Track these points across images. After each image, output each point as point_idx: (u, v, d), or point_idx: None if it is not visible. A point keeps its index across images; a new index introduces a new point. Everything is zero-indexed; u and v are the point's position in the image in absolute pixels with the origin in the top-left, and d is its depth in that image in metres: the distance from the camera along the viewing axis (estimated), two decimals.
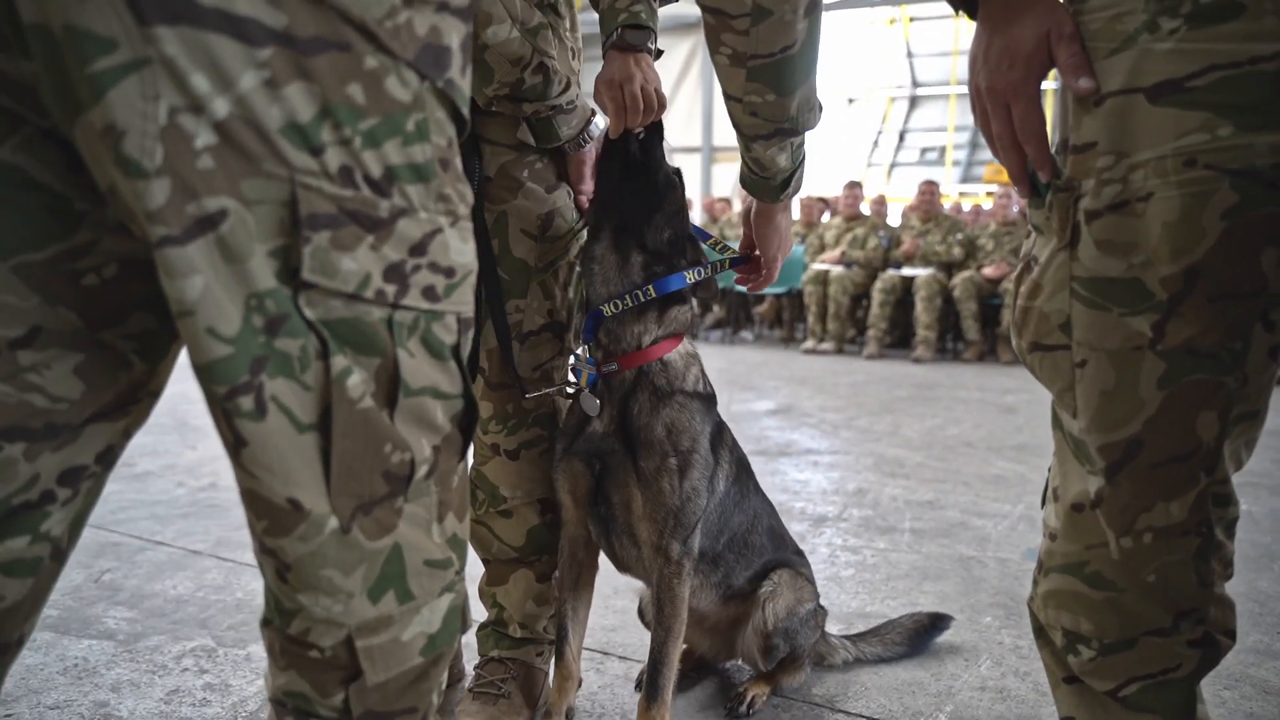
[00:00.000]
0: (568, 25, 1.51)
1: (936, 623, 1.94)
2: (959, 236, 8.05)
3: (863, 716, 1.67)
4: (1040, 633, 1.09)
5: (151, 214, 0.60)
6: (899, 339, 8.43)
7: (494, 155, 1.48)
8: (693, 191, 14.36)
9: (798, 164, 1.36)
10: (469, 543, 1.08)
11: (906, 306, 7.97)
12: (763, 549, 1.64)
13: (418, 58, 0.69)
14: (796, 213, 8.74)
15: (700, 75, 14.50)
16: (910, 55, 20.89)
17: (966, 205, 10.61)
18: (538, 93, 1.41)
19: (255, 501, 0.70)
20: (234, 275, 0.63)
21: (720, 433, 1.52)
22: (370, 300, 0.68)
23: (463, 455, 0.81)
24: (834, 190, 9.47)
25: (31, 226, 0.70)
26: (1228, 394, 0.90)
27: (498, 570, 1.66)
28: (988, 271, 7.72)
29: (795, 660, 1.68)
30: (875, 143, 21.73)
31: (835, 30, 17.62)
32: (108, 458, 0.81)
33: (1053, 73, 0.92)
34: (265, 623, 0.78)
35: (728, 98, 1.22)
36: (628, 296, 1.41)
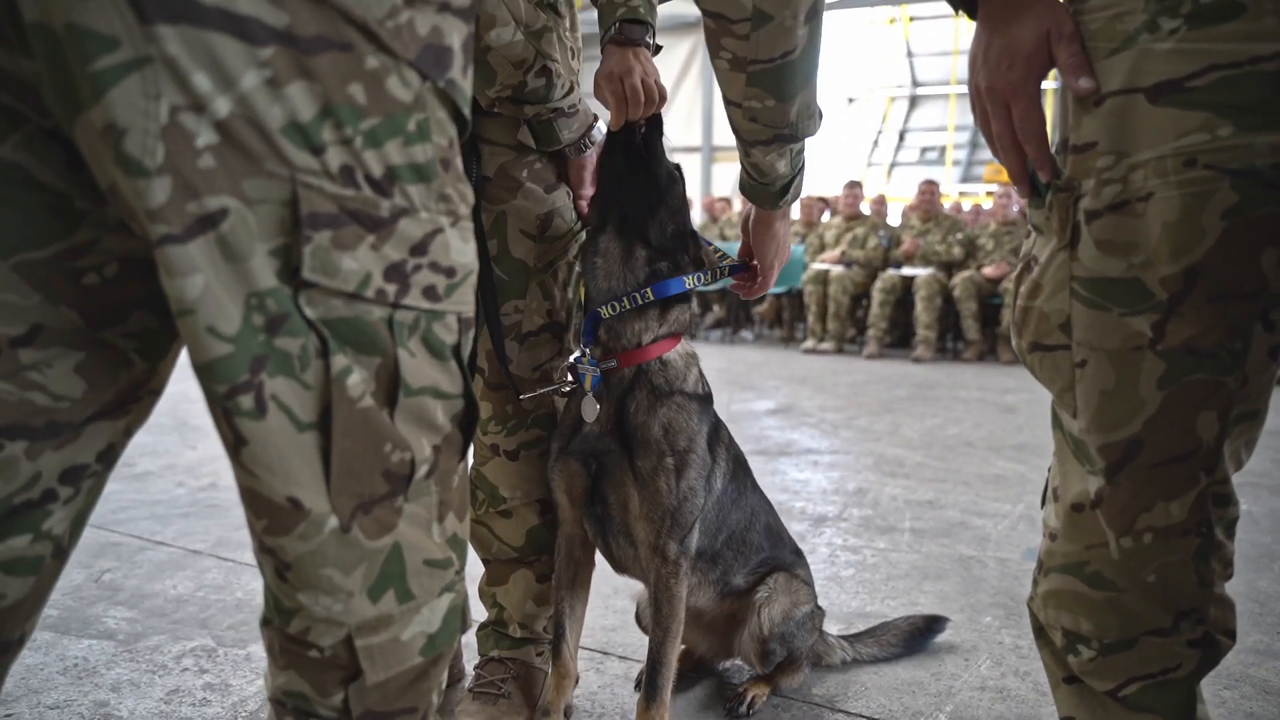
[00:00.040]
0: (568, 24, 1.50)
1: (932, 624, 1.95)
2: (959, 236, 8.05)
3: (863, 716, 1.67)
4: (1040, 633, 1.09)
5: (152, 212, 0.60)
6: (899, 339, 8.43)
7: (493, 155, 1.48)
8: (693, 191, 14.28)
9: (797, 170, 1.35)
10: (469, 542, 1.08)
11: (906, 306, 7.97)
12: (760, 547, 1.64)
13: (419, 58, 0.69)
14: (796, 213, 8.73)
15: (700, 75, 14.50)
16: (910, 55, 20.89)
17: (966, 205, 10.62)
18: (539, 96, 1.40)
19: (255, 500, 0.70)
20: (234, 274, 0.63)
21: (717, 431, 1.52)
22: (371, 300, 0.68)
23: (463, 455, 0.81)
24: (834, 190, 9.47)
25: (33, 225, 0.70)
26: (1228, 394, 0.90)
27: (498, 570, 1.66)
28: (988, 271, 7.72)
29: (793, 662, 1.68)
30: (875, 142, 21.74)
31: (835, 30, 17.63)
32: (109, 456, 0.81)
33: (1053, 72, 0.92)
34: (265, 622, 0.79)
35: (727, 103, 1.22)
36: (625, 299, 1.41)
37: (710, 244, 1.54)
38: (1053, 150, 0.95)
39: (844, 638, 1.87)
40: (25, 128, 0.69)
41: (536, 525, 1.61)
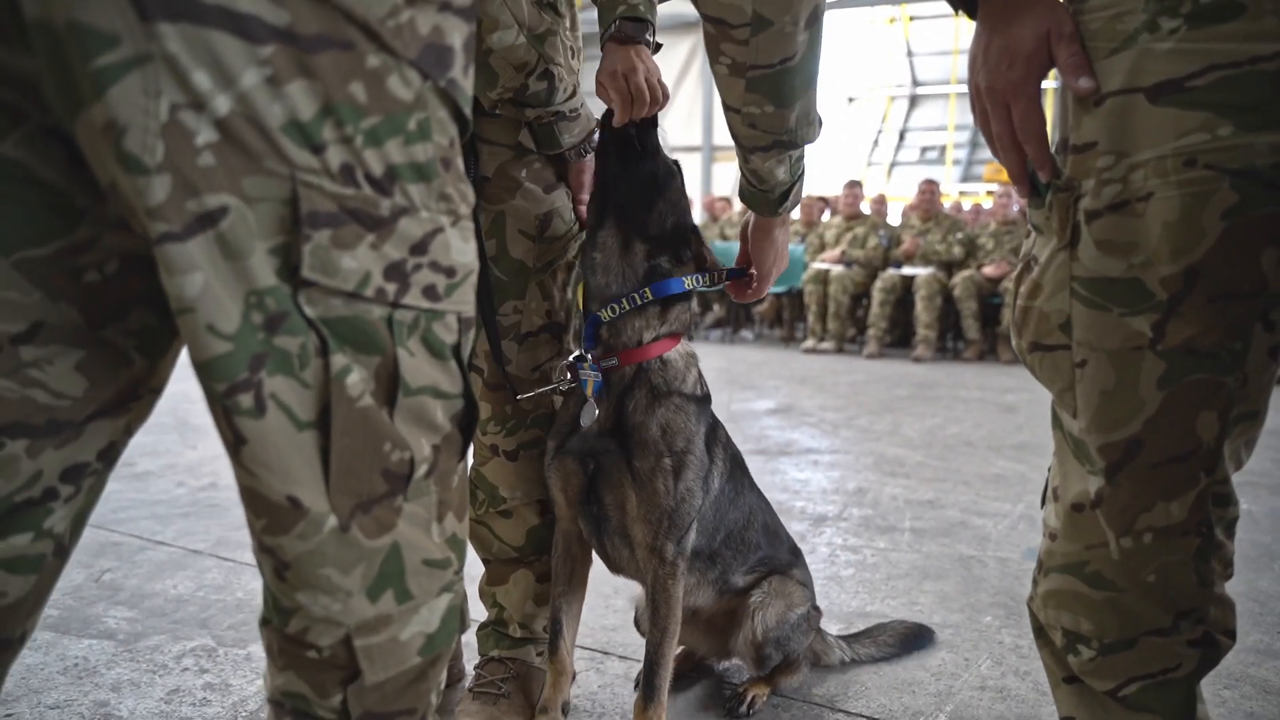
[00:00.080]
0: (568, 24, 1.50)
1: (922, 633, 1.96)
2: (959, 236, 8.05)
3: (863, 716, 1.67)
4: (1040, 632, 1.09)
5: (152, 210, 0.60)
6: (899, 338, 8.43)
7: (492, 155, 1.47)
8: (693, 191, 14.30)
9: (796, 178, 1.35)
10: (469, 542, 1.08)
11: (907, 306, 7.97)
12: (758, 545, 1.64)
13: (420, 57, 0.69)
14: (796, 213, 8.72)
15: (700, 74, 14.49)
16: (910, 54, 20.88)
17: (967, 204, 10.62)
18: (541, 99, 1.40)
19: (254, 499, 0.70)
20: (234, 272, 0.63)
21: (714, 431, 1.52)
22: (370, 299, 0.68)
23: (463, 455, 0.81)
24: (834, 189, 9.46)
25: (33, 222, 0.70)
26: (1228, 394, 0.90)
27: (498, 570, 1.66)
28: (988, 271, 7.72)
29: (790, 664, 1.68)
30: (875, 142, 21.73)
31: (835, 29, 17.62)
32: (109, 455, 0.81)
33: (1053, 72, 0.92)
34: (264, 622, 0.78)
35: (726, 108, 1.22)
36: (625, 300, 1.41)
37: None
38: (1053, 150, 0.95)
39: (842, 638, 1.87)
40: (26, 125, 0.69)
41: (537, 525, 1.61)
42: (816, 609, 1.74)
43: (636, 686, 1.70)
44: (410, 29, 0.68)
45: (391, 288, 0.69)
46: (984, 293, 7.71)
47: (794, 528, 2.71)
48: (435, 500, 0.78)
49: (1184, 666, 0.99)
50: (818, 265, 8.21)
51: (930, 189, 8.36)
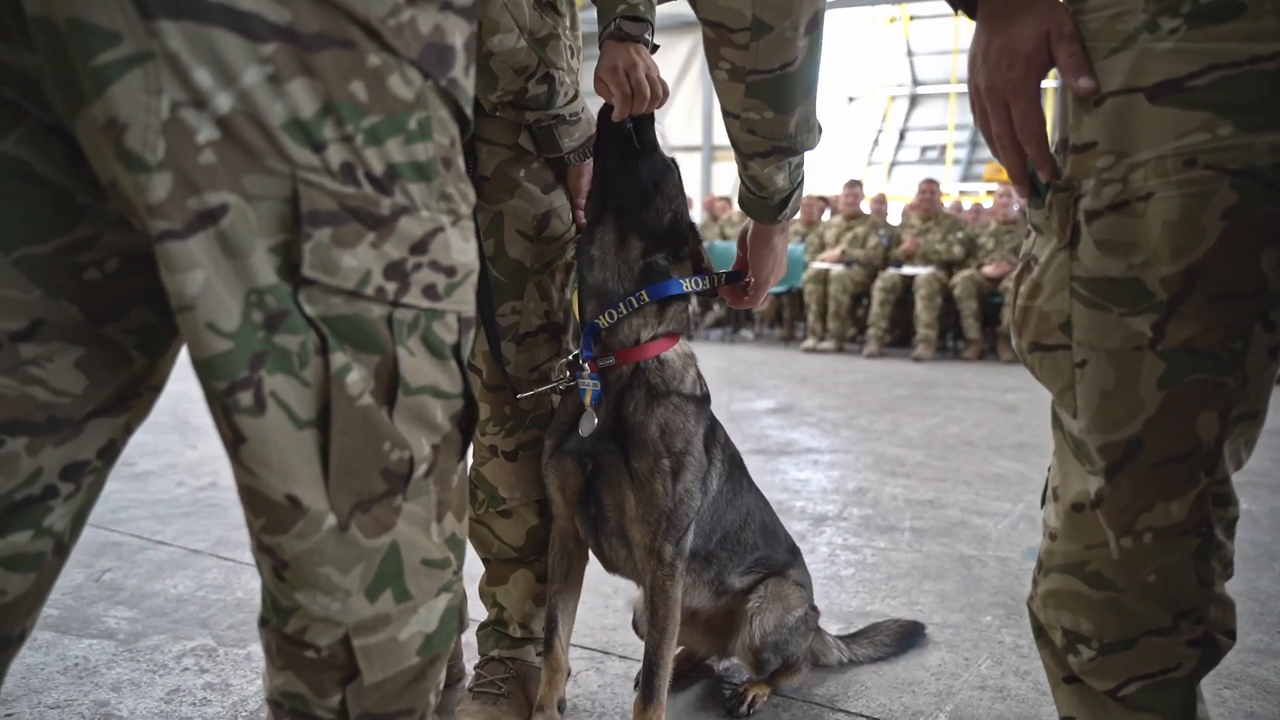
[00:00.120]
0: (568, 23, 1.50)
1: (915, 629, 1.97)
2: (959, 235, 8.05)
3: (863, 716, 1.67)
4: (1040, 632, 1.09)
5: (152, 208, 0.60)
6: (899, 338, 8.43)
7: (491, 155, 1.47)
8: (693, 190, 14.37)
9: (796, 185, 1.34)
10: (469, 542, 1.08)
11: (907, 305, 7.97)
12: (755, 545, 1.64)
13: (421, 56, 0.69)
14: (795, 214, 8.72)
15: (700, 74, 14.48)
16: (910, 54, 20.87)
17: (967, 204, 10.62)
18: (540, 102, 1.40)
19: (253, 498, 0.70)
20: (234, 270, 0.63)
21: (713, 431, 1.51)
22: (370, 297, 0.68)
23: (462, 455, 0.81)
24: (834, 189, 9.46)
25: (34, 220, 0.70)
26: (1228, 394, 0.89)
27: (497, 570, 1.66)
28: (988, 270, 7.72)
29: (790, 667, 1.68)
30: (875, 141, 21.72)
31: (835, 28, 17.62)
32: (109, 453, 0.81)
33: (1053, 72, 0.92)
34: (263, 622, 0.78)
35: (725, 114, 1.21)
36: (622, 304, 1.40)
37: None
38: (1052, 150, 0.95)
39: (840, 638, 1.87)
40: (27, 122, 0.69)
41: (536, 525, 1.61)
42: (814, 609, 1.74)
43: (636, 686, 1.70)
44: (411, 28, 0.68)
45: (392, 287, 0.69)
46: (984, 292, 7.71)
47: (794, 527, 2.71)
48: (435, 500, 0.78)
49: (1184, 666, 0.99)
50: (818, 265, 8.21)
51: (930, 188, 8.37)
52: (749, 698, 1.66)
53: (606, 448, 1.41)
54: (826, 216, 9.24)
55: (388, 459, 0.72)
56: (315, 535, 0.70)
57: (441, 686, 0.86)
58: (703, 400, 1.49)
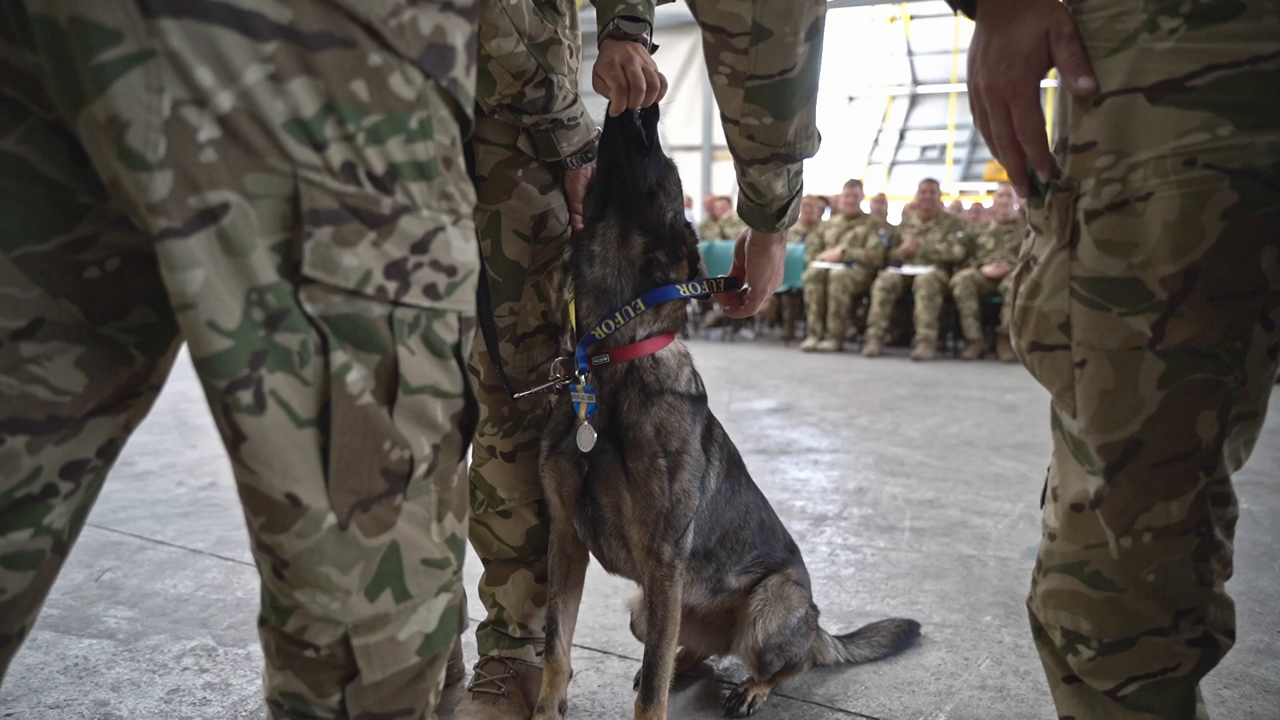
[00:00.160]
0: (567, 22, 1.50)
1: (911, 628, 1.98)
2: (959, 235, 8.06)
3: (863, 715, 1.67)
4: (1039, 632, 1.09)
5: (153, 206, 0.60)
6: (899, 337, 8.44)
7: (488, 155, 1.47)
8: (693, 190, 14.37)
9: (795, 193, 1.34)
10: (469, 542, 1.08)
11: (907, 305, 7.98)
12: (753, 544, 1.64)
13: (422, 56, 0.69)
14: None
15: (700, 74, 14.49)
16: (911, 53, 20.88)
17: (967, 203, 10.63)
18: (538, 106, 1.40)
19: (253, 497, 0.70)
20: (235, 269, 0.63)
21: (710, 430, 1.51)
22: (371, 297, 0.68)
23: (463, 455, 0.81)
24: (834, 188, 9.47)
25: (35, 218, 0.70)
26: (1227, 393, 0.90)
27: (497, 570, 1.66)
28: (988, 270, 7.72)
29: (791, 668, 1.68)
30: (876, 141, 21.72)
31: (836, 28, 17.62)
32: (109, 451, 0.81)
33: (1052, 71, 0.92)
34: (262, 622, 0.78)
35: (725, 120, 1.21)
36: (619, 315, 1.40)
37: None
38: (1052, 150, 0.95)
39: (838, 638, 1.87)
40: (28, 121, 0.69)
41: (535, 525, 1.61)
42: (814, 608, 1.74)
43: (636, 686, 1.70)
44: (412, 28, 0.68)
45: (392, 286, 0.69)
46: (984, 292, 7.72)
47: (794, 527, 2.71)
48: (435, 500, 0.78)
49: (1183, 666, 0.99)
50: (818, 264, 8.22)
51: (930, 188, 8.37)
52: (749, 698, 1.66)
53: (602, 448, 1.41)
54: (826, 216, 9.25)
55: (388, 458, 0.72)
56: (315, 534, 0.70)
57: (441, 686, 0.85)
58: (698, 399, 1.48)
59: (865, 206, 8.79)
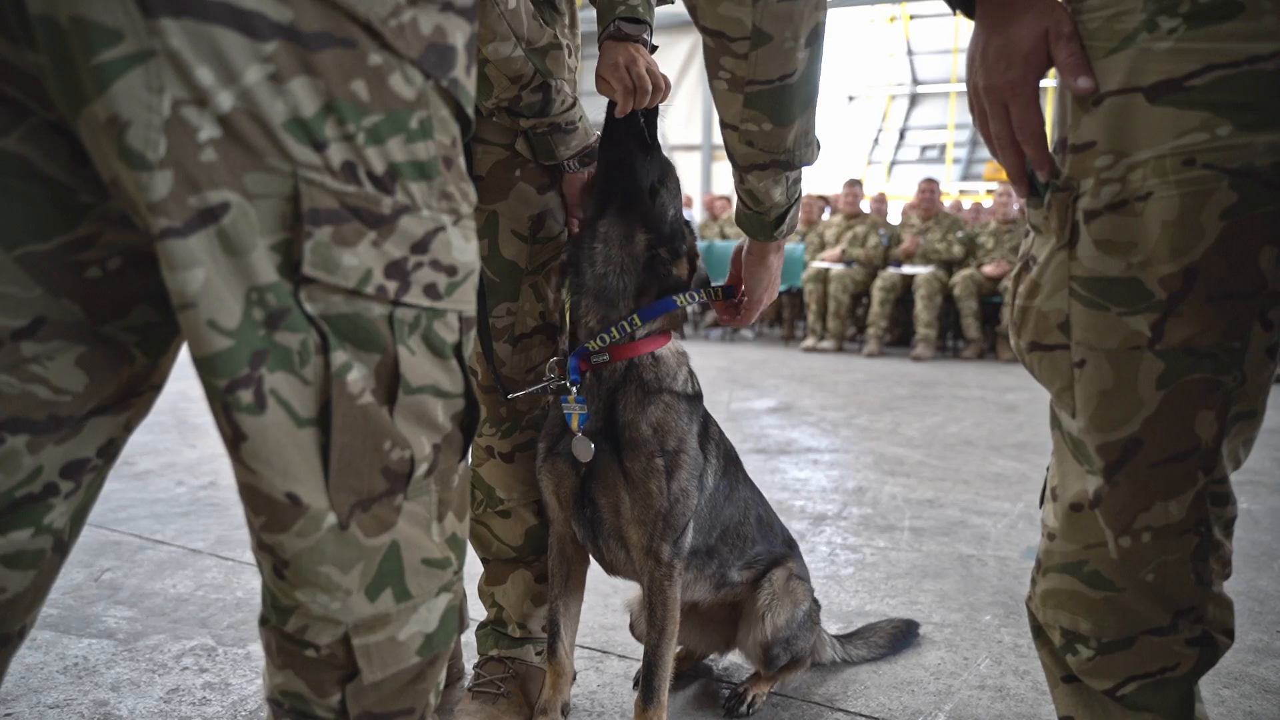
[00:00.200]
0: (567, 21, 1.50)
1: (909, 628, 1.98)
2: (959, 234, 8.06)
3: (862, 715, 1.67)
4: (1039, 632, 1.09)
5: (154, 206, 0.61)
6: (899, 337, 8.44)
7: (486, 155, 1.47)
8: (693, 190, 14.37)
9: (793, 201, 1.34)
10: (468, 542, 1.08)
11: (907, 304, 7.98)
12: (754, 539, 1.64)
13: (422, 56, 0.69)
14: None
15: (700, 74, 14.48)
16: (911, 53, 20.88)
17: (967, 203, 10.63)
18: (535, 110, 1.40)
19: (254, 496, 0.70)
20: (235, 268, 0.63)
21: (706, 428, 1.51)
22: (371, 296, 0.69)
23: (463, 454, 0.81)
24: (834, 188, 9.48)
25: (36, 218, 0.70)
26: (1226, 393, 0.90)
27: (496, 570, 1.66)
28: (988, 269, 7.72)
29: (795, 662, 1.69)
30: (875, 140, 21.73)
31: (836, 28, 17.62)
32: (110, 451, 0.81)
33: (1051, 71, 0.92)
34: (263, 621, 0.78)
35: (724, 126, 1.21)
36: (614, 329, 1.40)
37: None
38: (1051, 150, 0.95)
39: (836, 637, 1.87)
40: (30, 120, 0.69)
41: (535, 525, 1.61)
42: (816, 603, 1.74)
43: (636, 686, 1.70)
44: (412, 28, 0.68)
45: (392, 285, 0.69)
46: (984, 292, 7.72)
47: (794, 526, 2.71)
48: (435, 499, 0.78)
49: (1182, 665, 0.99)
50: (817, 264, 8.22)
51: (930, 188, 8.38)
52: (748, 697, 1.66)
53: (600, 448, 1.41)
54: (826, 216, 9.25)
55: (388, 458, 0.72)
56: (315, 534, 0.70)
57: (441, 686, 0.86)
58: (695, 398, 1.48)
59: (865, 206, 8.79)
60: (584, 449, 1.40)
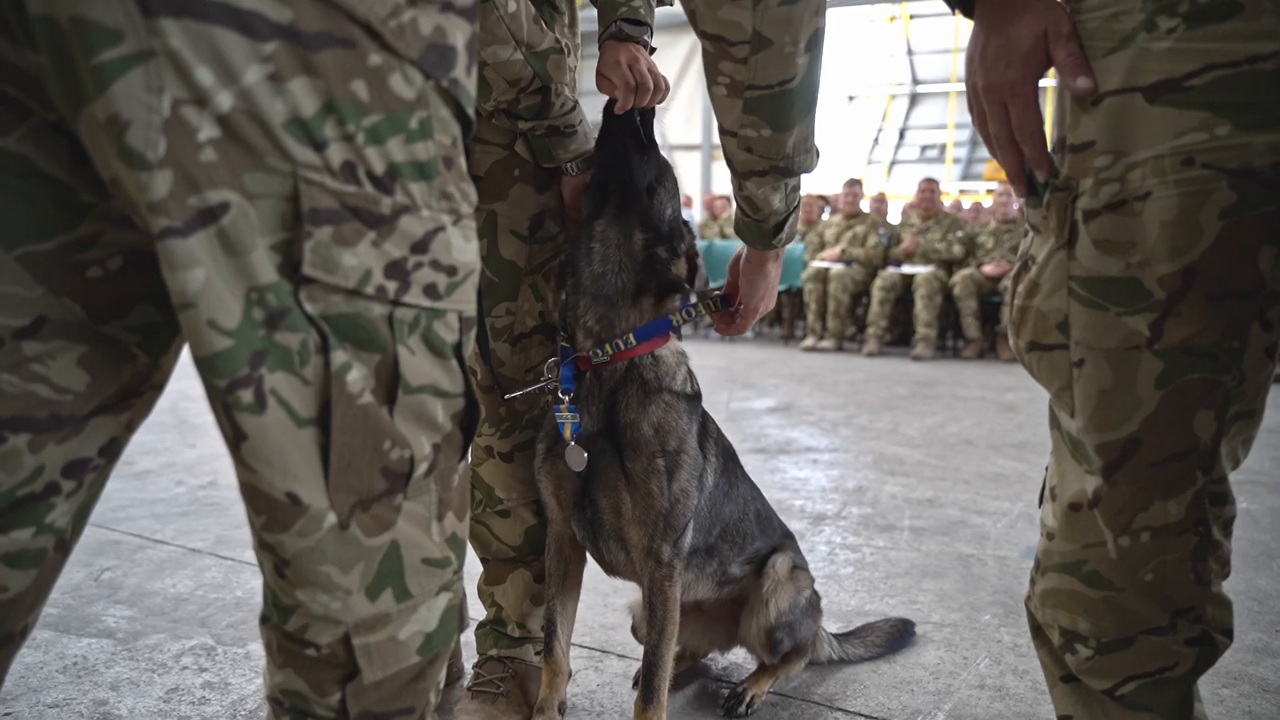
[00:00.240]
0: (566, 20, 1.50)
1: (905, 627, 1.98)
2: (959, 234, 8.06)
3: (861, 715, 1.67)
4: (1038, 632, 1.09)
5: (154, 205, 0.61)
6: (899, 336, 8.45)
7: (485, 154, 1.47)
8: (693, 189, 14.38)
9: (792, 209, 1.33)
10: (468, 541, 1.08)
11: (906, 304, 7.98)
12: (754, 536, 1.65)
13: (422, 56, 0.69)
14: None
15: (700, 73, 14.47)
16: (911, 52, 20.88)
17: (967, 203, 10.64)
18: (534, 113, 1.40)
19: (254, 496, 0.70)
20: (235, 268, 0.63)
21: (705, 427, 1.51)
22: (371, 296, 0.69)
23: (463, 454, 0.81)
24: (834, 188, 9.48)
25: (37, 217, 0.70)
26: (1225, 393, 0.90)
27: (495, 570, 1.66)
28: (988, 269, 7.73)
29: (798, 650, 1.69)
30: (875, 140, 21.73)
31: (835, 28, 17.62)
32: (111, 450, 0.81)
33: (1051, 71, 0.92)
34: (263, 620, 0.79)
35: (723, 132, 1.20)
36: (608, 345, 1.40)
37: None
38: (1050, 149, 0.95)
39: (833, 636, 1.87)
40: (30, 120, 0.69)
41: (534, 525, 1.61)
42: (816, 593, 1.75)
43: (635, 685, 1.70)
44: (412, 29, 0.68)
45: (392, 285, 0.70)
46: (984, 291, 7.72)
47: (793, 526, 2.71)
48: (435, 499, 0.78)
49: (1181, 665, 0.99)
50: (817, 264, 8.22)
51: (930, 187, 8.38)
52: (748, 697, 1.66)
53: (600, 448, 1.41)
54: (826, 215, 9.25)
55: (388, 457, 0.73)
56: (315, 533, 0.70)
57: (441, 685, 0.86)
58: (694, 398, 1.48)
59: (865, 206, 8.79)
60: (577, 458, 1.40)
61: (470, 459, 1.61)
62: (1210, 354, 0.88)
